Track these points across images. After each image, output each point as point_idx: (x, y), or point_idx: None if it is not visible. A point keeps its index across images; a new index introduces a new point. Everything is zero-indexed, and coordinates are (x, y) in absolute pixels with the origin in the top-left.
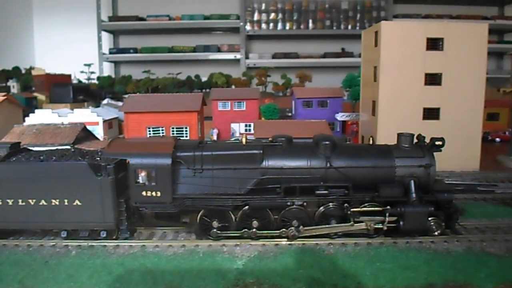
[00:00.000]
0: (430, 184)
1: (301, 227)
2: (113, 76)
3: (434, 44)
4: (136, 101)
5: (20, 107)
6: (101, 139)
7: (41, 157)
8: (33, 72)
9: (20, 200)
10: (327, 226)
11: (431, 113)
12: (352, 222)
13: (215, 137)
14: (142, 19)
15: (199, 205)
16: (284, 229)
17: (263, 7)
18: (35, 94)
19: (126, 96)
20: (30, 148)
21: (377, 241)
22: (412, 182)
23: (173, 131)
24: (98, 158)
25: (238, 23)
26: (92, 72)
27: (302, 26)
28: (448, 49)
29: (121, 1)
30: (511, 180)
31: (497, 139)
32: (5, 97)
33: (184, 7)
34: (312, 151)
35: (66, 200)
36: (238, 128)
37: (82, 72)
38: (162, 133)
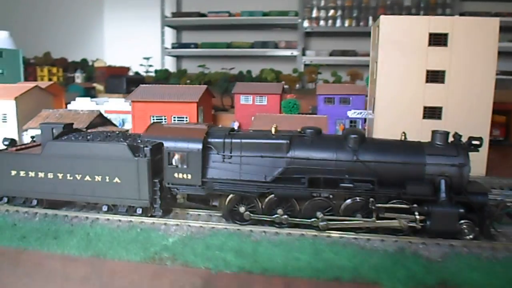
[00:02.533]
0: (463, 185)
1: (327, 222)
2: (175, 69)
3: (437, 39)
4: (144, 91)
5: (49, 94)
6: None
7: (88, 137)
8: (95, 64)
9: (68, 175)
10: (355, 219)
11: (432, 112)
12: (374, 219)
13: None
14: (203, 15)
15: (227, 190)
16: (315, 219)
17: (322, 3)
18: (95, 84)
19: None
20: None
21: (311, 233)
22: (443, 181)
23: (174, 120)
24: (139, 141)
25: (296, 19)
26: (150, 65)
27: (361, 23)
28: (453, 45)
29: None
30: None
31: None
32: (35, 85)
33: (244, 4)
34: (340, 144)
35: (107, 177)
36: None
37: (141, 65)
38: (165, 121)
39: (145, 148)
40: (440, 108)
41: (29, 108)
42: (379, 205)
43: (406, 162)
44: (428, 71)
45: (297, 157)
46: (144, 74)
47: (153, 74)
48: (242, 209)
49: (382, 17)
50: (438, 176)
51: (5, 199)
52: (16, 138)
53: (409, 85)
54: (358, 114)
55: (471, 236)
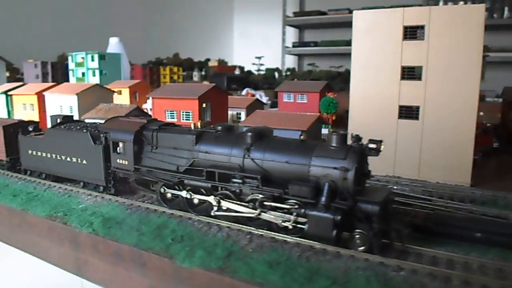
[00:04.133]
0: (349, 190)
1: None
2: (296, 67)
3: (412, 33)
4: (164, 89)
5: (110, 91)
6: None
7: (72, 127)
8: (210, 64)
9: (58, 156)
10: (238, 211)
11: (408, 112)
12: (258, 212)
13: None
14: (324, 13)
15: (151, 177)
16: (210, 197)
17: None
18: (205, 82)
19: None
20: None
21: (169, 212)
22: (327, 184)
23: (183, 114)
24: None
25: None
26: (262, 64)
27: (495, 15)
28: (431, 38)
29: None
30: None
31: None
32: (95, 84)
33: (365, 0)
34: (238, 141)
35: (79, 159)
36: None
37: (253, 64)
38: (175, 115)
39: (101, 136)
40: (417, 107)
41: (89, 102)
42: (264, 202)
43: (291, 162)
44: (403, 67)
45: (200, 150)
46: (256, 72)
47: (263, 73)
48: (168, 194)
49: (355, 12)
50: (323, 179)
51: (28, 172)
52: None
53: (383, 83)
54: None
55: (362, 248)
